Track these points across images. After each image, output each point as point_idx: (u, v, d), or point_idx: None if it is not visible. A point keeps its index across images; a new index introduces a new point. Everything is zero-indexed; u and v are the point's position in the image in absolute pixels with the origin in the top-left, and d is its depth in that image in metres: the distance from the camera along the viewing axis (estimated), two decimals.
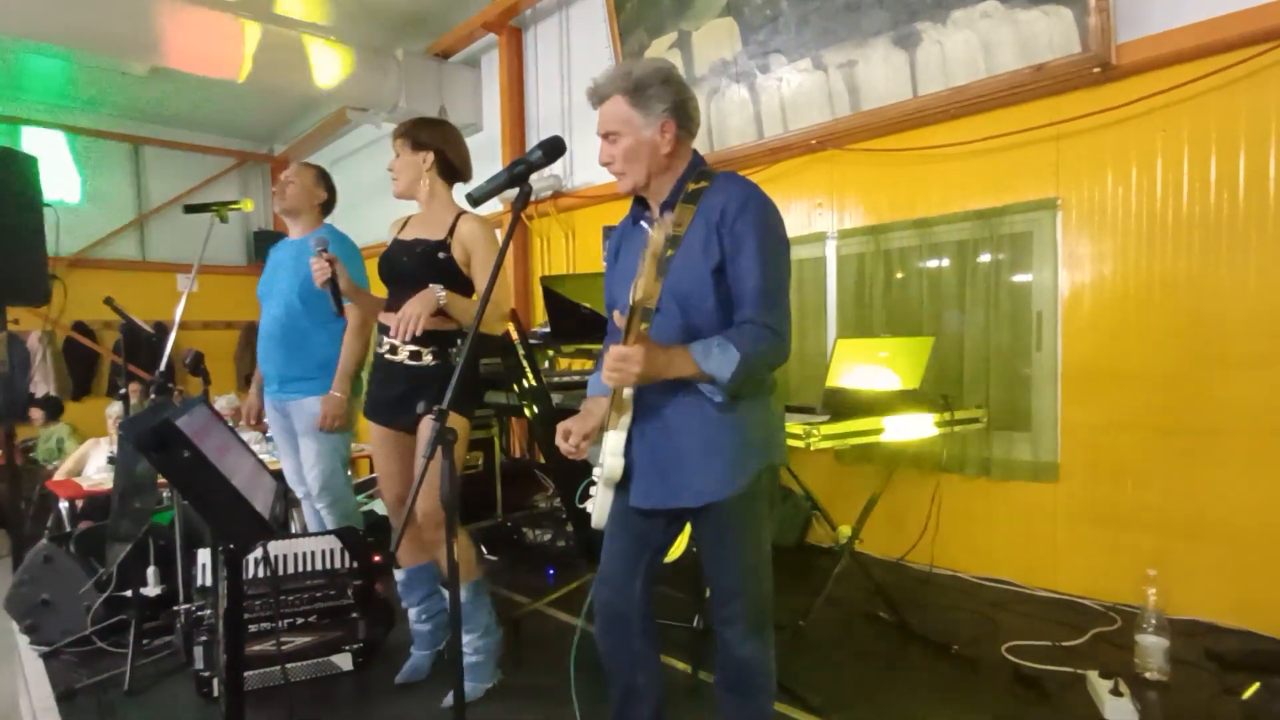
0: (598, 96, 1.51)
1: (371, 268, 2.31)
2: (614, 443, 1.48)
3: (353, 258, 2.55)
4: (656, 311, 1.39)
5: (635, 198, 1.59)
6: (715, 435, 1.45)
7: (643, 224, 1.57)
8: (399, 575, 2.33)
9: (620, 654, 1.59)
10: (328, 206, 2.78)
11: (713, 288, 1.44)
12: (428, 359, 2.13)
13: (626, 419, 1.49)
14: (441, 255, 2.10)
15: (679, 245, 1.44)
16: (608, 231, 2.87)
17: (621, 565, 1.57)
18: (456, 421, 2.07)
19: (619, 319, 1.36)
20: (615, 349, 1.33)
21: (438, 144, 2.19)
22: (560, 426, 1.55)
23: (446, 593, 2.20)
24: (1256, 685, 1.97)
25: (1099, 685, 2.09)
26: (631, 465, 1.51)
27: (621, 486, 1.53)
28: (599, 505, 1.55)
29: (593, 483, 1.56)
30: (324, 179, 2.75)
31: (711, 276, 1.44)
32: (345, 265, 2.37)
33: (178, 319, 2.56)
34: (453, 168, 2.24)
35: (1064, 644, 2.50)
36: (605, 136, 1.50)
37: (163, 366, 2.54)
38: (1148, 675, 2.23)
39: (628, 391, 1.48)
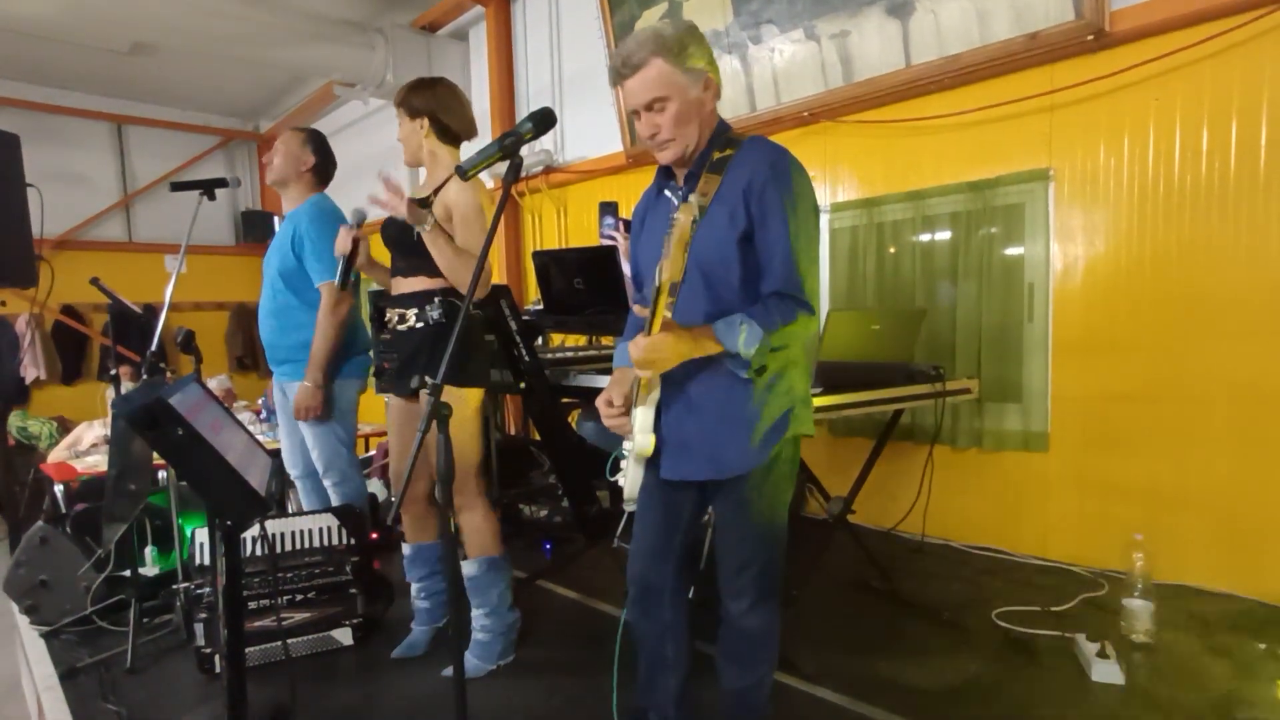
0: (630, 66, 1.39)
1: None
2: (643, 419, 1.46)
3: (327, 233, 2.47)
4: (681, 283, 1.34)
5: (660, 166, 1.53)
6: (739, 408, 1.43)
7: (667, 193, 1.53)
8: (406, 550, 2.34)
9: (651, 625, 1.59)
10: (321, 172, 2.65)
11: (738, 257, 1.39)
12: (413, 321, 2.13)
13: (655, 395, 1.47)
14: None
15: (704, 215, 1.38)
16: (603, 207, 2.84)
17: (654, 539, 1.57)
18: (458, 393, 2.06)
19: (640, 310, 1.32)
20: (641, 339, 1.30)
21: (430, 108, 2.15)
22: (601, 399, 1.52)
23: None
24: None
25: (1086, 648, 2.14)
26: (660, 439, 1.49)
27: (652, 462, 1.51)
28: (630, 480, 1.53)
29: (623, 456, 1.54)
30: (312, 141, 2.63)
31: (738, 245, 1.39)
32: (320, 240, 2.35)
33: (168, 299, 2.53)
34: (449, 130, 2.17)
35: (1053, 609, 2.55)
36: (649, 107, 1.41)
37: (154, 346, 2.52)
38: (1134, 638, 2.28)
39: None
